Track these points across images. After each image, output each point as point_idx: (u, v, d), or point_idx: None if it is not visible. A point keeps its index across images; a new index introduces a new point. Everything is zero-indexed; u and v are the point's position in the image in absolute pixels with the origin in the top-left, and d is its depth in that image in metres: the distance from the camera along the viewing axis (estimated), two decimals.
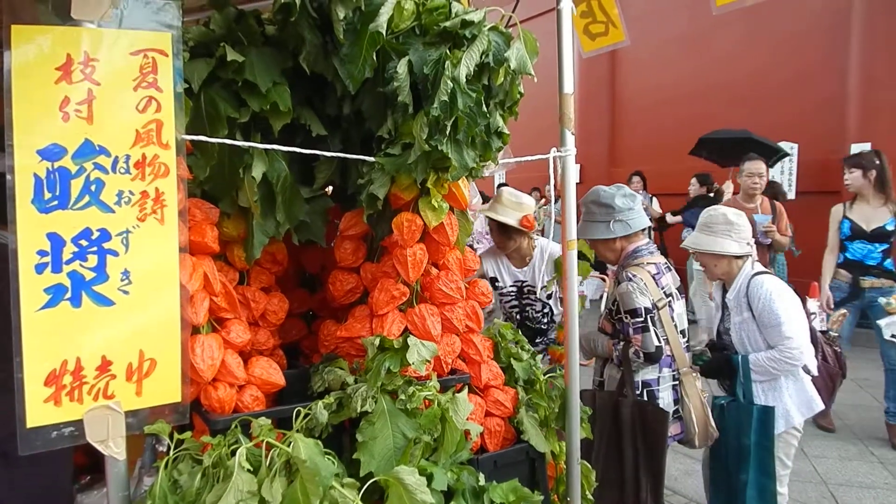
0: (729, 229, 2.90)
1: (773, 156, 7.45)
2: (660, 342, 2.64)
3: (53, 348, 1.31)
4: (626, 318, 2.68)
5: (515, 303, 3.41)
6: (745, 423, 2.76)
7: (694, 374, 2.78)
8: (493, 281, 3.39)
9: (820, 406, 2.89)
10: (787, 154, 7.68)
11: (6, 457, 1.98)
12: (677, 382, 2.76)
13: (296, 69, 1.71)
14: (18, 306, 1.27)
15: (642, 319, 2.63)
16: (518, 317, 3.42)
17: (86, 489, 2.21)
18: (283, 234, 1.78)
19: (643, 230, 2.84)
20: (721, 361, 2.94)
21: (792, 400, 2.84)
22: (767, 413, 2.74)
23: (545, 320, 3.44)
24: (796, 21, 8.31)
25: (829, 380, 3.04)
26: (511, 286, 3.38)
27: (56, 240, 1.31)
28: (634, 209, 2.77)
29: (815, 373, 2.90)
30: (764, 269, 3.01)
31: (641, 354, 2.64)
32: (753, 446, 2.73)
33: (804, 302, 7.16)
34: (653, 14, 10.28)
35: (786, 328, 2.74)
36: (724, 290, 3.06)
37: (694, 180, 7.95)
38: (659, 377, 2.73)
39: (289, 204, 1.75)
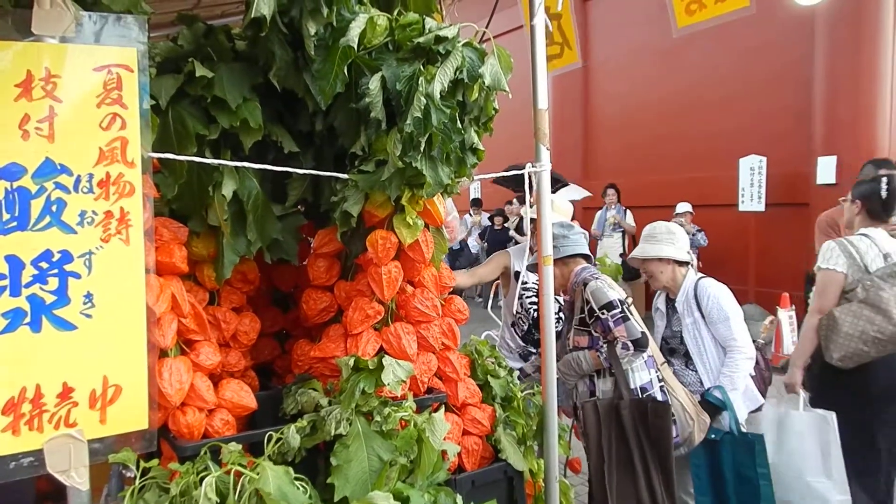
0: (671, 238, 3.07)
1: (555, 184, 8.66)
2: (643, 328, 2.66)
3: (11, 375, 1.26)
4: (603, 313, 2.66)
5: (535, 299, 3.47)
6: (743, 456, 2.74)
7: (667, 367, 2.86)
8: (518, 275, 3.47)
9: (761, 400, 3.05)
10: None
11: None
12: (662, 382, 2.77)
13: (266, 85, 1.68)
14: None
15: (619, 310, 2.64)
16: (535, 314, 3.46)
17: None
18: (254, 253, 1.74)
19: (583, 257, 2.93)
20: (706, 406, 2.87)
21: (742, 396, 2.96)
22: (761, 442, 2.76)
23: (558, 326, 3.48)
24: (764, 35, 8.49)
25: (761, 383, 3.18)
26: (534, 283, 3.45)
27: (15, 262, 1.26)
28: (569, 237, 2.90)
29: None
30: (703, 274, 3.14)
31: (629, 344, 2.62)
32: (759, 478, 2.73)
33: (774, 312, 7.28)
34: (622, 28, 10.45)
35: (733, 322, 2.92)
36: (668, 300, 3.18)
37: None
38: (651, 380, 2.73)
39: (261, 222, 1.71)
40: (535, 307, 3.49)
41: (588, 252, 2.95)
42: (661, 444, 2.58)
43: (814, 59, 7.92)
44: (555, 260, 2.83)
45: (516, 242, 8.42)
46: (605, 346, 2.71)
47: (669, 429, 2.57)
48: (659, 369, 2.78)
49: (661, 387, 2.77)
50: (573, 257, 2.89)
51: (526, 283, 3.48)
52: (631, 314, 2.67)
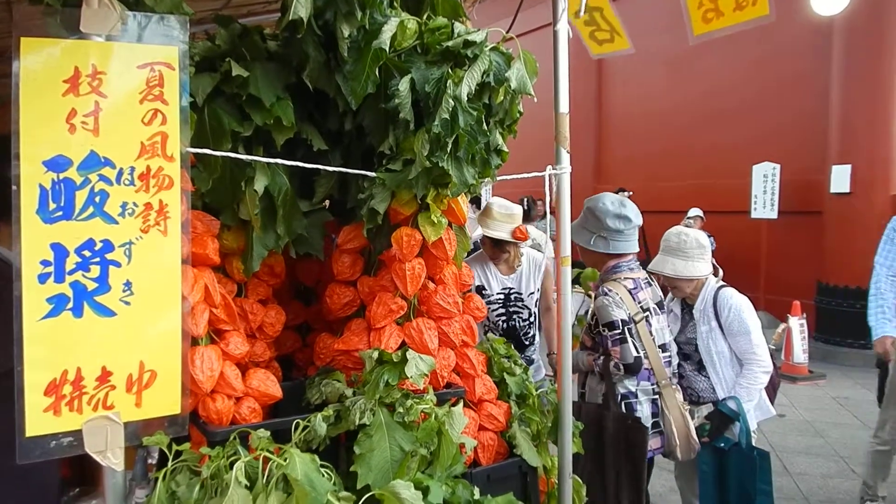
0: (702, 252, 3.01)
1: None
2: (638, 353, 2.70)
3: (54, 358, 1.31)
4: (605, 331, 2.74)
5: (502, 311, 3.36)
6: (747, 471, 2.77)
7: (674, 387, 2.83)
8: (480, 289, 3.32)
9: (772, 411, 3.09)
10: None
11: None
12: (657, 396, 2.80)
13: (298, 85, 1.73)
14: (20, 316, 1.27)
15: (619, 331, 2.70)
16: (504, 325, 3.36)
17: (73, 502, 2.19)
18: (282, 248, 1.79)
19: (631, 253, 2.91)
20: (719, 417, 2.90)
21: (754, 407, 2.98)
22: (765, 458, 2.79)
23: (531, 332, 3.43)
24: (779, 42, 8.49)
25: (771, 390, 3.20)
26: (499, 293, 3.35)
27: (59, 250, 1.31)
28: (623, 233, 2.80)
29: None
30: (724, 282, 3.13)
31: (621, 366, 2.70)
32: (759, 493, 2.75)
33: (785, 319, 7.28)
34: (637, 34, 10.44)
35: (754, 336, 2.94)
36: (683, 303, 3.17)
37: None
38: (637, 390, 2.77)
39: (288, 217, 1.76)
40: (501, 319, 3.36)
41: (637, 248, 2.91)
42: (637, 465, 2.64)
43: (830, 67, 7.91)
44: (605, 253, 2.85)
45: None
46: (601, 357, 2.78)
47: (644, 449, 2.63)
48: (657, 383, 2.80)
49: (654, 400, 2.79)
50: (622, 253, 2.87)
51: (489, 295, 3.34)
52: (632, 336, 2.70)
